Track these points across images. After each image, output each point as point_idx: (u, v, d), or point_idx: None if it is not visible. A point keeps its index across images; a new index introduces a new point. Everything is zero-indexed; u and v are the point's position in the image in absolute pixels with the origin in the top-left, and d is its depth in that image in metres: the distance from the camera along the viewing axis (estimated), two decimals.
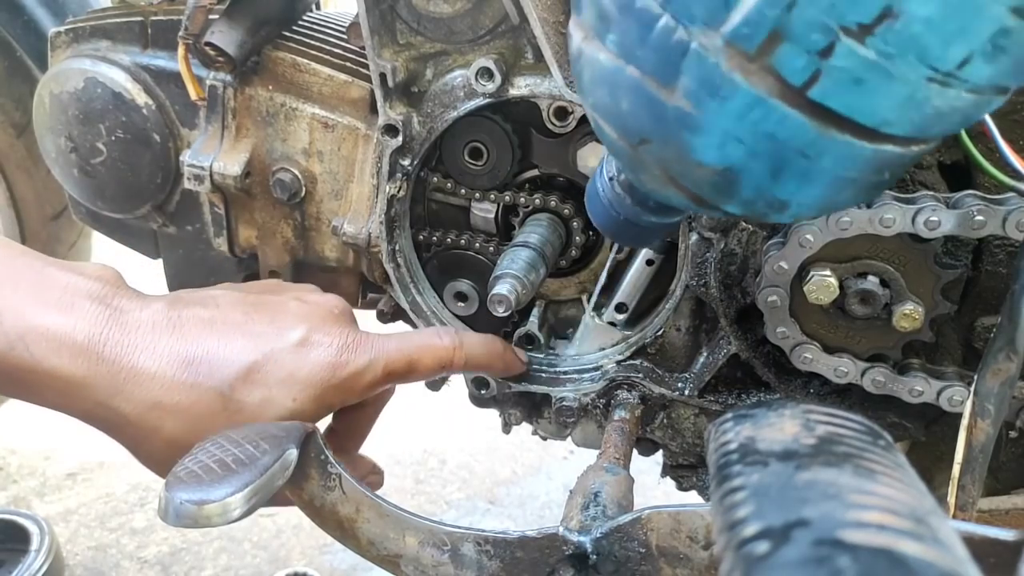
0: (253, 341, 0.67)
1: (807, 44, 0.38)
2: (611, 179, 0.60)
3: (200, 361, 0.64)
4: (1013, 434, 0.75)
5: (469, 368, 0.79)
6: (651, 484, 1.46)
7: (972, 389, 0.59)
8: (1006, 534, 0.44)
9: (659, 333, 0.82)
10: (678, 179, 0.46)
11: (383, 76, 0.75)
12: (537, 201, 0.81)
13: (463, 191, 0.83)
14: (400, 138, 0.78)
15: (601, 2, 0.44)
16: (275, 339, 0.68)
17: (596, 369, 0.85)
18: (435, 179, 0.83)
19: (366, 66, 0.81)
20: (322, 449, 0.60)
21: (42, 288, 0.62)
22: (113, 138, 0.88)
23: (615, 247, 0.84)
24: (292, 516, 1.67)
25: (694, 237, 0.74)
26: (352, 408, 0.75)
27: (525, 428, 0.93)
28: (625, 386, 0.83)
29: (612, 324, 0.85)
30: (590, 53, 0.45)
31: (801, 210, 0.46)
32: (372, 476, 0.81)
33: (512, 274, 0.75)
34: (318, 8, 0.97)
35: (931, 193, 0.66)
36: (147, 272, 1.04)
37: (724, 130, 0.42)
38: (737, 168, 0.43)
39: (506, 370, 0.83)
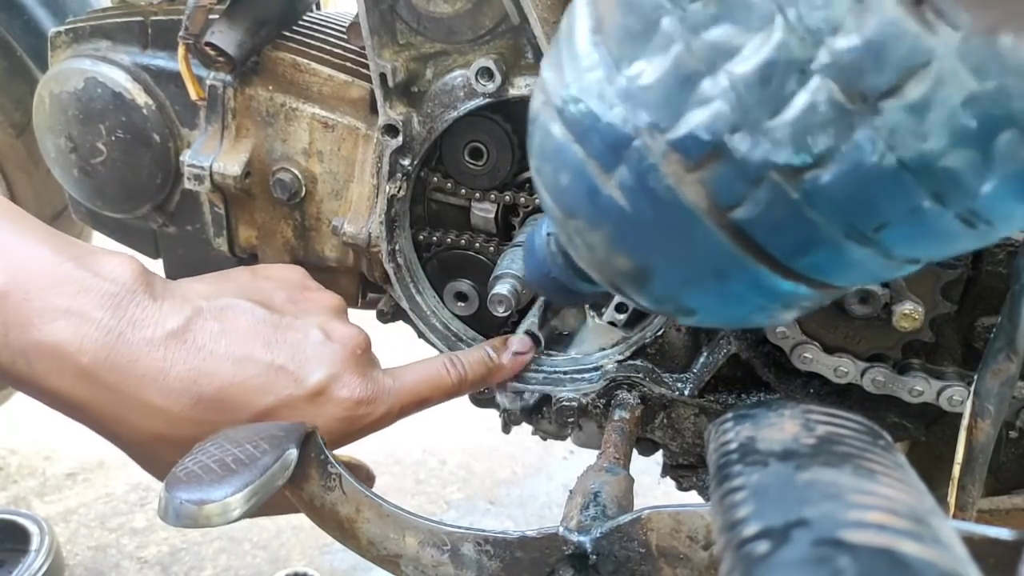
0: (271, 382, 0.64)
1: (741, 169, 0.38)
2: (548, 235, 0.60)
3: (212, 399, 0.62)
4: (1013, 434, 0.75)
5: (475, 389, 0.80)
6: (651, 484, 1.46)
7: (972, 389, 0.59)
8: (1006, 534, 0.44)
9: (659, 333, 0.82)
10: (598, 262, 0.47)
11: (383, 76, 0.75)
12: (537, 201, 0.81)
13: (463, 191, 0.83)
14: (400, 138, 0.78)
15: (564, 77, 0.45)
16: (293, 384, 0.65)
17: (596, 369, 0.85)
18: (435, 179, 0.83)
19: (366, 66, 0.81)
20: (322, 449, 0.60)
21: (53, 292, 0.58)
22: (113, 138, 0.88)
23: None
24: (292, 516, 1.66)
25: None
26: None
27: (525, 428, 0.93)
28: (625, 386, 0.83)
29: (612, 324, 0.85)
30: (544, 121, 0.46)
31: (707, 319, 0.48)
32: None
33: (512, 274, 0.75)
34: (318, 8, 0.97)
35: None
36: None
37: (648, 229, 0.43)
38: (652, 268, 0.45)
39: (512, 374, 0.83)
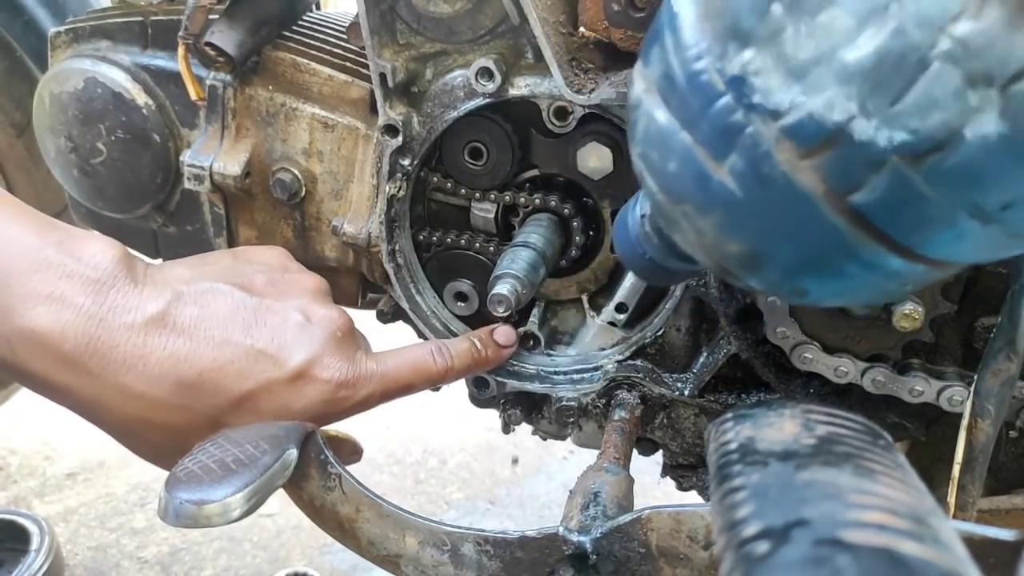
0: (250, 366, 0.64)
1: (860, 155, 0.38)
2: (643, 216, 0.59)
3: (191, 384, 0.62)
4: (1013, 434, 0.75)
5: (459, 378, 0.79)
6: (651, 484, 1.46)
7: (972, 389, 0.59)
8: (1006, 534, 0.44)
9: (659, 333, 0.82)
10: (708, 247, 0.47)
11: (383, 76, 0.75)
12: (537, 201, 0.81)
13: (463, 191, 0.83)
14: (400, 138, 0.77)
15: (670, 64, 0.44)
16: (273, 367, 0.65)
17: (596, 369, 0.85)
18: (435, 179, 0.83)
19: (366, 66, 0.81)
20: (322, 449, 0.60)
21: (35, 278, 0.58)
22: (113, 138, 0.88)
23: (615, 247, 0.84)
24: (292, 516, 1.67)
25: None
26: None
27: (525, 428, 0.93)
28: (625, 386, 0.83)
29: (612, 324, 0.85)
30: (648, 107, 0.46)
31: (821, 299, 0.48)
32: (351, 456, 0.80)
33: (512, 274, 0.75)
34: (318, 8, 0.97)
35: None
36: None
37: (761, 214, 0.42)
38: (766, 253, 0.44)
39: (495, 365, 0.83)
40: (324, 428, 0.75)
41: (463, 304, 0.88)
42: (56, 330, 0.58)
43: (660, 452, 0.89)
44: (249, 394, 0.64)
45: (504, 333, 0.83)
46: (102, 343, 0.59)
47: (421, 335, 0.89)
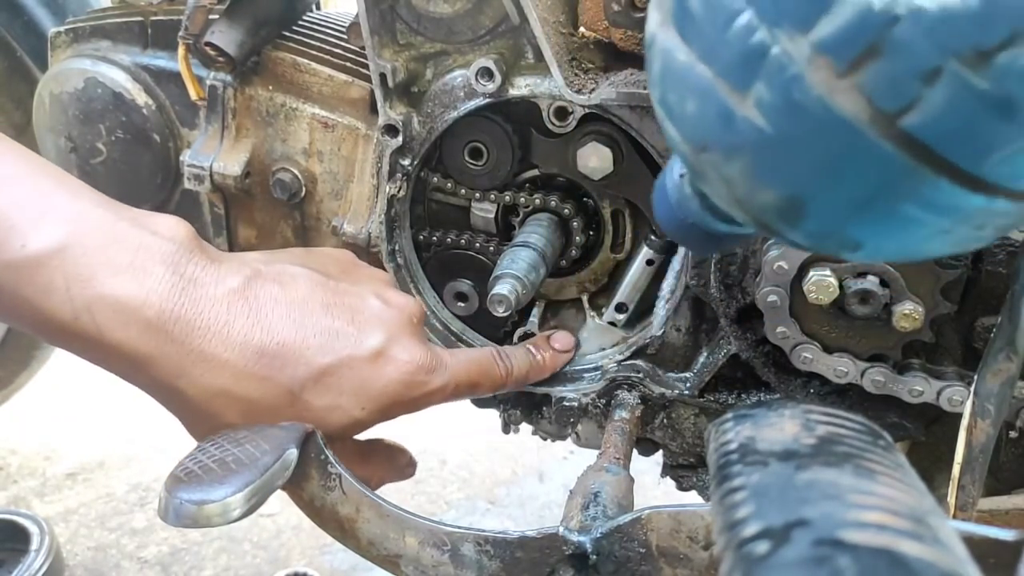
0: (331, 342, 0.64)
1: (909, 65, 0.32)
2: (681, 176, 0.52)
3: (274, 355, 0.62)
4: (1013, 434, 0.75)
5: (519, 386, 0.81)
6: (651, 484, 1.46)
7: (972, 389, 0.59)
8: (1006, 534, 0.44)
9: (659, 333, 0.82)
10: (740, 198, 0.41)
11: (383, 76, 0.75)
12: (537, 201, 0.81)
13: (463, 191, 0.83)
14: (400, 138, 0.78)
15: None
16: (353, 344, 0.65)
17: (596, 369, 0.85)
18: (435, 179, 0.83)
19: (366, 66, 0.81)
20: (322, 449, 0.60)
21: (112, 249, 0.58)
22: (113, 138, 0.88)
23: (615, 247, 0.84)
24: (292, 516, 1.67)
25: None
26: None
27: (525, 428, 0.93)
28: (625, 386, 0.83)
29: (612, 324, 0.85)
30: (663, 42, 0.40)
31: (877, 254, 0.41)
32: (408, 468, 0.80)
33: (512, 274, 0.75)
34: (318, 8, 0.97)
35: None
36: None
37: (796, 151, 0.36)
38: (806, 197, 0.38)
39: (553, 371, 0.84)
40: (382, 437, 0.76)
41: (463, 304, 0.88)
42: (140, 297, 0.58)
43: (660, 452, 0.89)
44: (330, 368, 0.63)
45: (561, 339, 0.84)
46: (185, 310, 0.59)
47: None
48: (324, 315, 0.65)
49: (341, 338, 0.65)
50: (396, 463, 0.78)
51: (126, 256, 0.58)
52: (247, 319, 0.62)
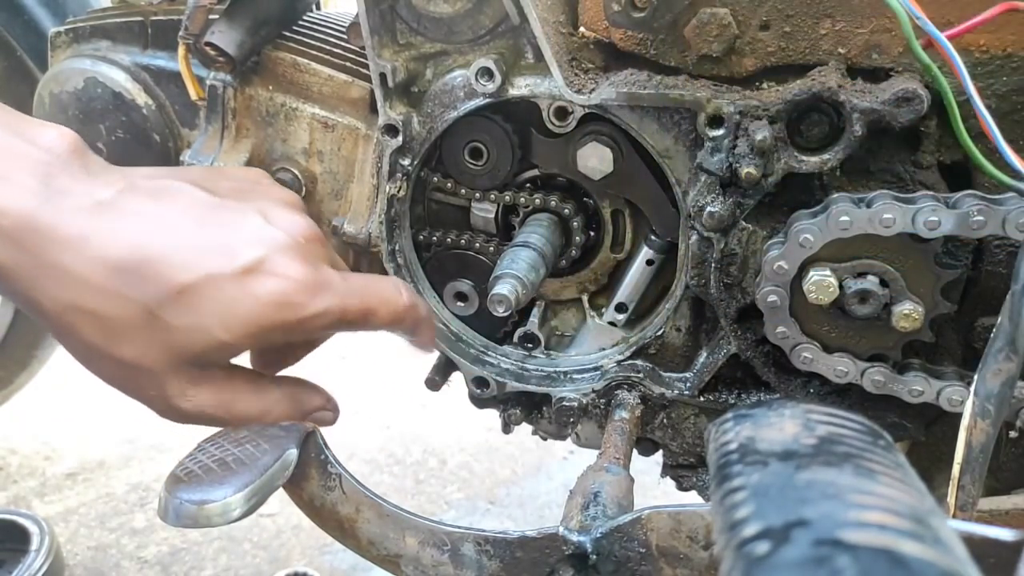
0: (196, 258, 0.60)
1: None
2: None
3: (130, 270, 0.58)
4: (1013, 434, 0.75)
5: (406, 331, 0.74)
6: (651, 484, 1.46)
7: (972, 389, 0.59)
8: (1006, 534, 0.44)
9: (659, 333, 0.82)
10: None
11: (383, 76, 0.75)
12: (537, 201, 0.81)
13: (463, 191, 0.83)
14: (400, 138, 0.77)
15: None
16: (221, 259, 0.60)
17: (596, 369, 0.85)
18: (435, 179, 0.83)
19: (366, 66, 0.81)
20: (322, 449, 0.60)
21: None
22: (113, 138, 0.88)
23: (615, 247, 0.84)
24: (292, 516, 1.67)
25: (694, 237, 0.74)
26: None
27: (525, 428, 0.93)
28: (625, 386, 0.83)
29: (612, 324, 0.85)
30: None
31: None
32: (323, 412, 0.73)
33: (512, 274, 0.75)
34: (318, 8, 0.97)
35: (931, 193, 0.66)
36: None
37: None
38: None
39: (425, 340, 0.78)
40: (295, 376, 0.71)
41: (463, 304, 0.88)
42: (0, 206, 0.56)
43: (660, 452, 0.89)
44: (191, 285, 0.59)
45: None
46: (43, 222, 0.57)
47: None
48: (195, 228, 0.61)
49: (208, 255, 0.60)
50: (301, 403, 0.71)
51: None
52: (109, 233, 0.59)
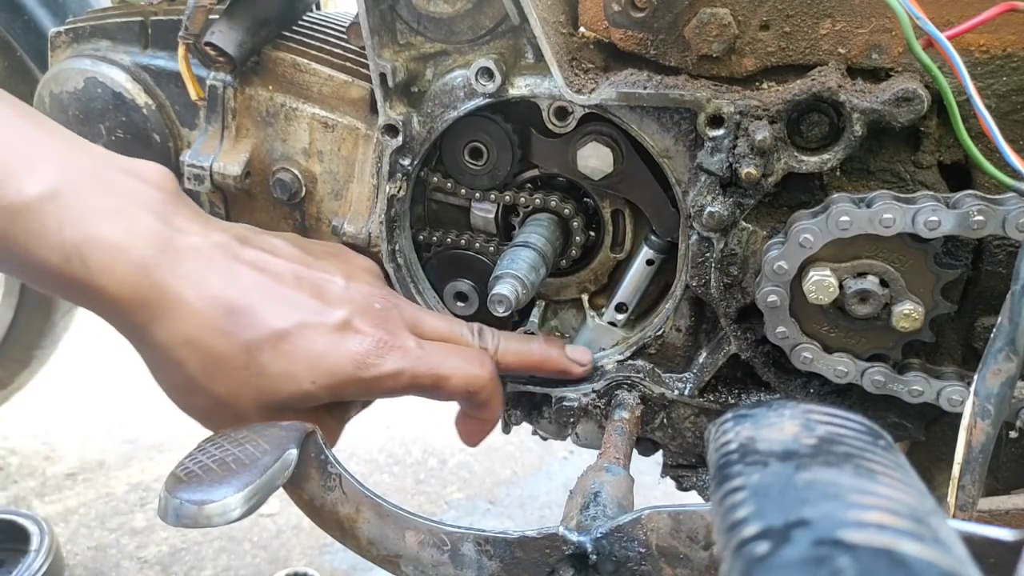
0: (293, 311, 0.66)
1: None
2: None
3: (241, 312, 0.64)
4: (1013, 434, 0.75)
5: (475, 406, 0.77)
6: (651, 484, 1.46)
7: (972, 389, 0.59)
8: (1006, 534, 0.44)
9: (659, 333, 0.82)
10: None
11: (383, 76, 0.75)
12: (537, 201, 0.81)
13: (463, 191, 0.83)
14: (400, 138, 0.77)
15: None
16: (314, 315, 0.66)
17: (596, 369, 0.85)
18: (435, 179, 0.83)
19: (366, 66, 0.81)
20: (322, 449, 0.60)
21: (102, 193, 0.61)
22: (113, 138, 0.88)
23: (615, 247, 0.84)
24: (292, 516, 1.67)
25: (694, 237, 0.74)
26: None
27: (525, 428, 0.93)
28: (625, 386, 0.83)
29: (612, 324, 0.85)
30: None
31: None
32: None
33: (512, 274, 0.75)
34: (318, 8, 0.97)
35: (931, 193, 0.66)
36: None
37: None
38: None
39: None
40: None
41: (463, 304, 0.88)
42: (127, 239, 0.60)
43: (660, 452, 0.89)
44: (288, 333, 0.65)
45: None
46: (169, 256, 0.62)
47: None
48: (293, 286, 0.67)
49: (303, 309, 0.66)
50: None
51: (115, 202, 0.61)
52: (224, 275, 0.64)
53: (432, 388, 0.72)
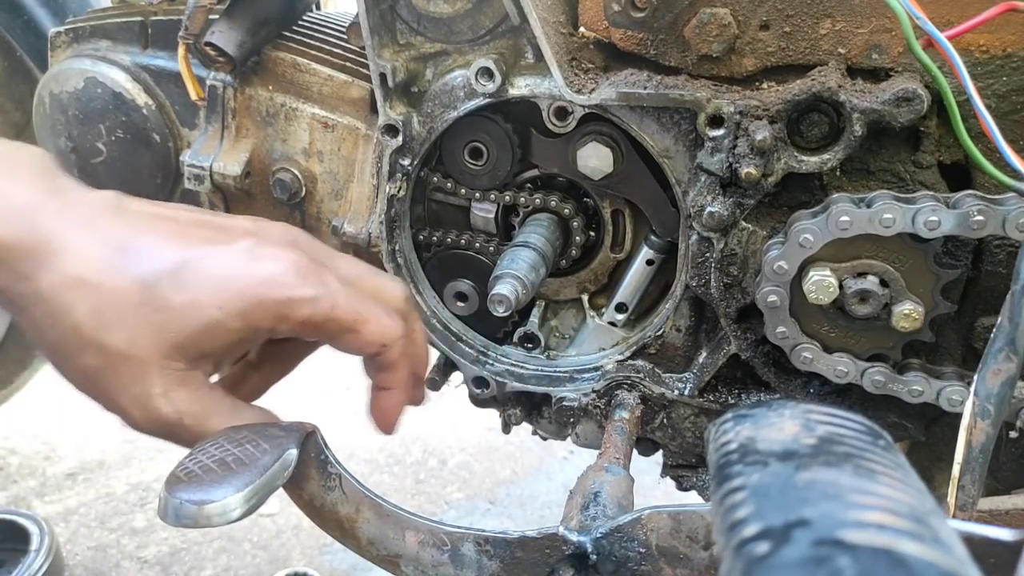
0: (194, 240, 0.61)
1: None
2: None
3: (134, 249, 0.59)
4: (1013, 434, 0.75)
5: (385, 367, 0.71)
6: (651, 484, 1.46)
7: (972, 389, 0.59)
8: (1006, 534, 0.44)
9: (659, 333, 0.82)
10: None
11: (383, 76, 0.75)
12: (537, 201, 0.81)
13: (463, 191, 0.83)
14: (400, 138, 0.77)
15: None
16: (217, 243, 0.62)
17: (596, 369, 0.85)
18: (435, 179, 0.83)
19: (366, 66, 0.81)
20: (322, 449, 0.60)
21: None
22: (113, 138, 0.88)
23: (615, 247, 0.84)
24: (292, 516, 1.67)
25: (694, 237, 0.74)
26: (271, 345, 0.68)
27: (525, 428, 0.93)
28: (625, 386, 0.83)
29: (612, 324, 0.85)
30: None
31: None
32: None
33: (512, 274, 0.75)
34: (318, 8, 0.97)
35: (931, 193, 0.66)
36: None
37: None
38: None
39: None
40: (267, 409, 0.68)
41: (463, 304, 0.88)
42: (8, 188, 0.58)
43: (660, 452, 0.89)
44: (188, 261, 0.60)
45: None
46: (53, 204, 0.59)
47: None
48: (193, 224, 0.63)
49: (205, 239, 0.62)
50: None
51: None
52: (112, 219, 0.60)
53: (348, 330, 0.65)
